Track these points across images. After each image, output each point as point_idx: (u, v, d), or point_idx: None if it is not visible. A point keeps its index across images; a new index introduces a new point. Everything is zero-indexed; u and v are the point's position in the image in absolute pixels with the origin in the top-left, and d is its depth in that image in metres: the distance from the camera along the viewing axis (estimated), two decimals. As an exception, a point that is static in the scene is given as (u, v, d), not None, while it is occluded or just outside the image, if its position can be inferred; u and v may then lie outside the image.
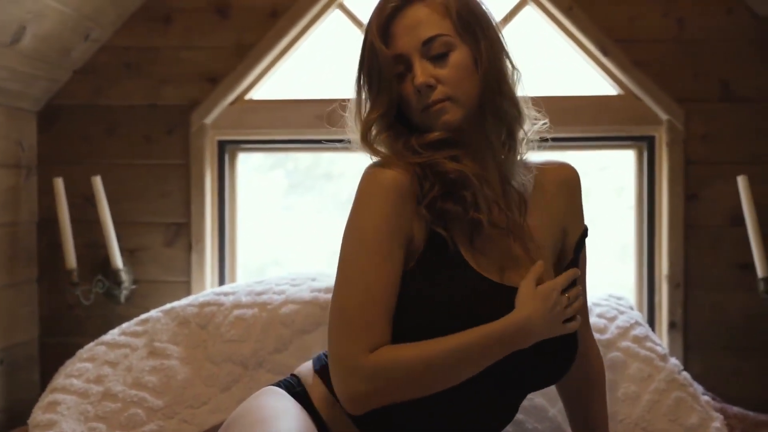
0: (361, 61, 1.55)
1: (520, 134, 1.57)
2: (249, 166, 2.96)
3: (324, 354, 1.66)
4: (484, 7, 1.55)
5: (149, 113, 2.79)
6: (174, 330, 2.32)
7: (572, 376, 1.64)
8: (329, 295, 2.28)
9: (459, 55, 1.49)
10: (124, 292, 2.72)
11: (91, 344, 2.33)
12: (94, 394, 2.18)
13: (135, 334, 2.33)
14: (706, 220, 2.65)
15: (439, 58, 1.49)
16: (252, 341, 2.25)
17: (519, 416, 2.03)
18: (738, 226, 2.57)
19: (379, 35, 1.50)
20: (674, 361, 2.23)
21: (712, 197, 2.65)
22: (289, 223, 3.01)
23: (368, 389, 1.41)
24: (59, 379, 2.23)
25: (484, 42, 1.50)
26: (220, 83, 2.76)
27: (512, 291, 1.48)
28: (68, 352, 2.40)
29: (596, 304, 2.34)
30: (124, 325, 2.38)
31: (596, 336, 1.91)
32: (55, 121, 2.80)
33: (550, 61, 2.77)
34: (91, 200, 2.69)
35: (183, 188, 2.77)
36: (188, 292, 2.72)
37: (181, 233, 2.78)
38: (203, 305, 2.35)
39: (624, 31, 2.67)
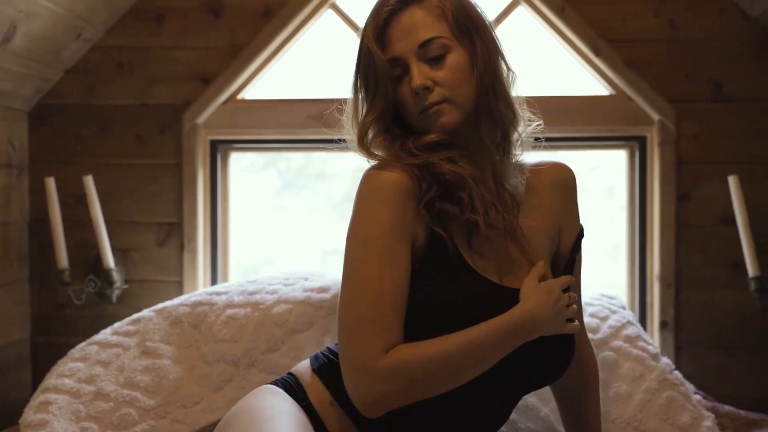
0: (358, 64, 1.55)
1: (515, 136, 1.57)
2: (241, 165, 2.95)
3: (321, 353, 1.66)
4: (479, 10, 1.56)
5: (141, 113, 2.78)
6: (166, 330, 2.32)
7: (566, 376, 1.65)
8: (322, 295, 2.29)
9: (456, 58, 1.50)
10: (116, 292, 2.72)
11: (83, 344, 2.33)
12: (86, 394, 2.18)
13: (127, 334, 2.33)
14: (697, 220, 2.66)
15: (436, 61, 1.49)
16: (244, 341, 2.25)
17: (512, 416, 2.03)
18: (729, 225, 2.58)
19: (376, 39, 1.50)
20: (666, 361, 2.23)
21: (704, 197, 2.65)
22: (281, 222, 3.00)
23: (386, 390, 1.42)
24: (51, 379, 2.22)
25: (480, 44, 1.51)
26: (213, 83, 2.75)
27: (510, 292, 1.49)
28: (60, 351, 2.40)
29: (588, 304, 2.35)
30: (116, 325, 2.37)
31: (589, 335, 1.92)
32: (47, 120, 2.79)
33: (542, 62, 2.78)
34: (82, 200, 2.69)
35: (175, 188, 2.77)
36: (180, 292, 2.72)
37: (173, 233, 2.77)
38: (195, 305, 2.34)
39: (616, 31, 2.68)
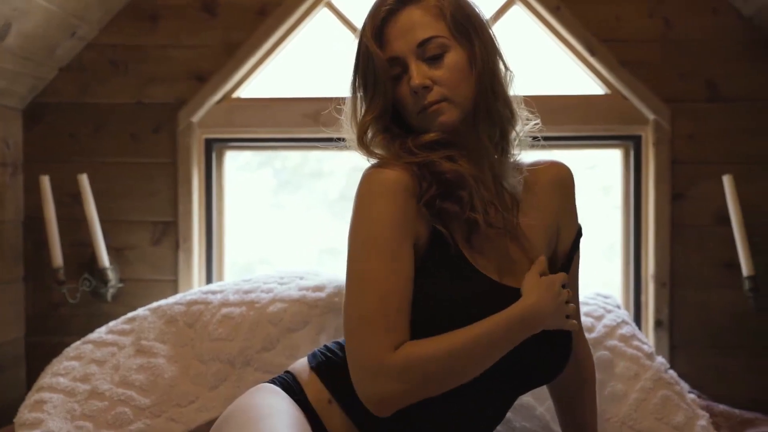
0: (356, 63, 1.55)
1: (513, 135, 1.58)
2: (237, 164, 2.95)
3: (319, 351, 1.66)
4: (477, 9, 1.56)
5: (136, 111, 2.77)
6: (161, 328, 2.31)
7: (564, 375, 1.65)
8: (317, 294, 2.29)
9: (454, 57, 1.50)
10: (111, 291, 2.71)
11: (78, 342, 2.32)
12: (80, 393, 2.17)
13: (122, 333, 2.32)
14: (692, 220, 2.67)
15: (435, 60, 1.50)
16: (240, 340, 2.25)
17: (507, 415, 2.02)
18: (724, 225, 2.59)
19: (374, 38, 1.51)
20: (661, 360, 2.24)
21: (698, 196, 2.66)
22: (277, 221, 3.00)
23: (398, 388, 1.42)
24: (46, 378, 2.22)
25: (478, 43, 1.51)
26: (208, 81, 2.75)
27: (510, 291, 1.50)
28: (55, 350, 2.39)
29: (584, 303, 2.35)
30: (111, 324, 2.37)
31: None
32: (41, 118, 2.78)
33: (537, 61, 2.78)
34: (77, 198, 2.68)
35: (170, 187, 2.76)
36: (175, 291, 2.72)
37: (169, 232, 2.77)
38: (191, 303, 2.34)
39: (611, 31, 2.68)
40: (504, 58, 1.57)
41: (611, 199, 2.84)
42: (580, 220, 1.72)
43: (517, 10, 2.75)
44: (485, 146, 1.53)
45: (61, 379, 2.20)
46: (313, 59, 2.86)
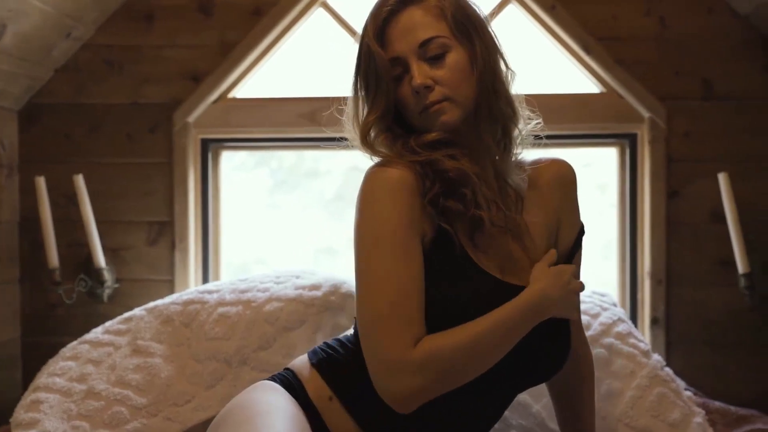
0: (358, 64, 1.56)
1: (515, 133, 1.58)
2: (233, 164, 2.95)
3: (320, 348, 1.66)
4: (477, 9, 1.57)
5: (132, 112, 2.77)
6: (157, 328, 2.31)
7: (563, 372, 1.66)
8: (313, 293, 2.29)
9: (455, 57, 1.50)
10: (107, 291, 2.71)
11: (74, 343, 2.32)
12: (77, 393, 2.17)
13: (118, 333, 2.32)
14: (687, 217, 2.67)
15: (436, 60, 1.50)
16: (236, 339, 2.25)
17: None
18: (719, 222, 2.59)
19: (376, 38, 1.51)
20: (657, 357, 2.24)
21: (694, 194, 2.66)
22: (273, 221, 3.00)
23: (421, 382, 1.42)
24: (42, 378, 2.22)
25: (479, 43, 1.52)
26: (203, 81, 2.75)
27: (513, 289, 1.50)
28: (51, 351, 2.39)
29: (580, 301, 2.35)
30: (108, 324, 2.37)
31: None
32: (37, 119, 2.78)
33: (533, 60, 2.78)
34: (73, 199, 2.68)
35: (166, 187, 2.76)
36: (172, 291, 2.72)
37: (165, 232, 2.77)
38: (187, 303, 2.34)
39: (607, 29, 2.69)
40: (505, 57, 1.58)
41: (607, 197, 2.84)
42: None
43: (513, 9, 2.75)
44: (487, 145, 1.54)
45: (58, 379, 2.20)
46: (308, 59, 2.86)
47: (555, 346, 1.58)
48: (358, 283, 1.48)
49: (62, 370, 2.23)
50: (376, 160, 1.55)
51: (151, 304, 2.39)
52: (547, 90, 2.73)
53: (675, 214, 2.67)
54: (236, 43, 2.74)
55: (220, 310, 2.30)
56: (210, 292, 2.38)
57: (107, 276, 2.69)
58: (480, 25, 1.55)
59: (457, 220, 1.50)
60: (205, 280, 2.81)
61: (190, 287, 2.72)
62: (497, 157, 1.56)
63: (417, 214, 1.47)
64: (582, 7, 2.69)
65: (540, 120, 1.63)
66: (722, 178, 2.54)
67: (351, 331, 1.70)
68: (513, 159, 1.60)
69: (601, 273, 2.82)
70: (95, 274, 2.68)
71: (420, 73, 1.49)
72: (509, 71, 1.58)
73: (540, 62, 2.79)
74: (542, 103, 1.65)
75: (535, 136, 1.64)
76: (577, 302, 1.58)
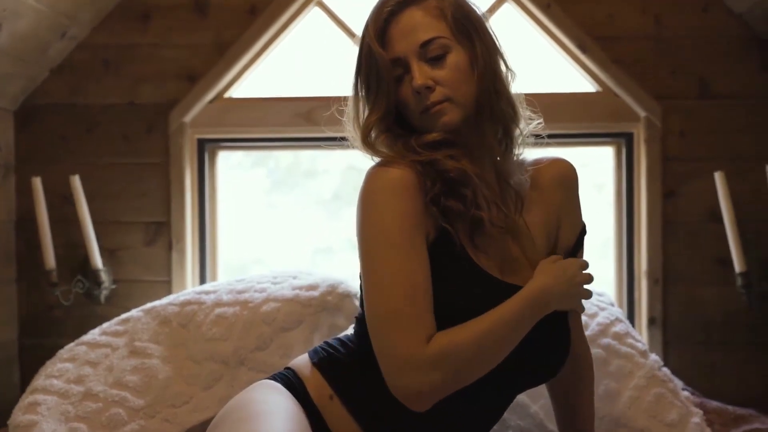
0: (359, 65, 1.56)
1: (516, 133, 1.59)
2: (230, 164, 2.95)
3: (320, 347, 1.66)
4: (477, 10, 1.57)
5: (128, 112, 2.77)
6: (155, 329, 2.31)
7: (562, 371, 1.66)
8: (310, 293, 2.29)
9: (456, 57, 1.50)
10: (104, 292, 2.71)
11: (72, 344, 2.32)
12: (74, 395, 2.17)
13: (116, 334, 2.32)
14: (684, 216, 2.67)
15: (437, 61, 1.50)
16: (233, 339, 2.24)
17: (501, 413, 2.04)
18: (716, 221, 2.59)
19: (377, 39, 1.51)
20: (654, 357, 2.24)
21: (690, 193, 2.67)
22: (271, 221, 3.00)
23: (436, 378, 1.42)
24: (39, 380, 2.21)
25: (479, 43, 1.52)
26: (199, 81, 2.75)
27: (512, 289, 1.51)
28: (48, 352, 2.39)
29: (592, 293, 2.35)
30: (105, 325, 2.36)
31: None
32: (33, 120, 2.78)
33: (529, 59, 2.78)
34: (69, 200, 2.67)
35: (162, 187, 2.76)
36: (169, 292, 2.71)
37: (161, 232, 2.76)
38: (184, 304, 2.34)
39: (602, 28, 2.69)
40: (505, 57, 1.58)
41: (604, 196, 2.84)
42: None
43: (509, 8, 2.75)
44: (488, 145, 1.54)
45: (55, 381, 2.20)
46: (304, 58, 2.85)
47: (555, 346, 1.58)
48: (366, 283, 1.48)
49: (60, 371, 2.23)
50: (376, 160, 1.55)
51: (149, 305, 2.39)
52: (543, 89, 2.73)
53: (671, 214, 2.67)
54: (232, 43, 2.74)
55: (218, 310, 2.30)
56: (207, 292, 2.38)
57: (104, 277, 2.68)
58: (480, 25, 1.55)
59: (457, 220, 1.50)
60: (203, 280, 2.80)
61: (188, 288, 2.72)
62: (498, 158, 1.56)
63: (421, 212, 1.48)
64: (578, 6, 2.69)
65: (541, 120, 1.63)
66: (718, 177, 2.54)
67: (350, 331, 1.71)
68: (514, 159, 1.61)
69: (598, 272, 2.81)
70: (92, 275, 2.67)
71: (421, 73, 1.49)
72: (510, 71, 1.58)
73: (536, 61, 2.79)
74: (538, 103, 1.65)
75: (535, 135, 1.64)
76: (586, 294, 1.58)
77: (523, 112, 1.60)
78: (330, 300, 2.29)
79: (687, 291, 2.66)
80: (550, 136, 2.73)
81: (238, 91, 2.83)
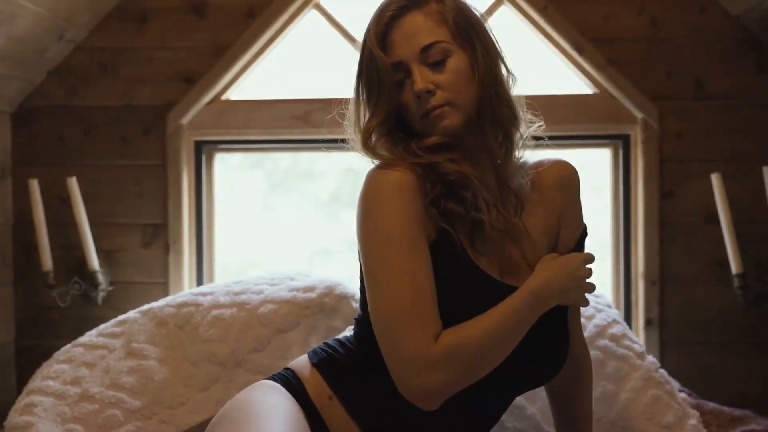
0: (360, 69, 1.57)
1: (516, 137, 1.59)
2: (228, 166, 2.95)
3: (320, 348, 1.66)
4: (478, 14, 1.57)
5: (125, 114, 2.77)
6: (152, 330, 2.31)
7: (561, 373, 1.66)
8: (308, 295, 2.29)
9: (456, 61, 1.51)
10: (101, 294, 2.71)
11: (68, 346, 2.32)
12: (71, 396, 2.17)
13: (112, 335, 2.32)
14: (681, 218, 2.68)
15: (438, 65, 1.51)
16: (230, 341, 2.24)
17: (498, 414, 2.04)
18: (712, 223, 2.60)
19: (378, 43, 1.52)
20: (651, 359, 2.24)
21: (687, 195, 2.67)
22: (269, 223, 3.00)
23: (445, 376, 1.42)
24: (36, 381, 2.21)
25: (480, 48, 1.53)
26: (197, 83, 2.75)
27: (511, 291, 1.51)
28: (45, 354, 2.39)
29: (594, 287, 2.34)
30: (102, 327, 2.36)
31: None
32: (30, 122, 2.78)
33: (525, 61, 2.78)
34: (66, 202, 2.67)
35: (160, 189, 2.76)
36: (166, 294, 2.71)
37: (159, 234, 2.76)
38: (181, 305, 2.34)
39: (599, 30, 2.69)
40: (506, 61, 1.59)
41: (601, 198, 2.84)
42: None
43: (505, 10, 2.76)
44: (489, 149, 1.55)
45: (52, 383, 2.19)
46: (301, 61, 2.86)
47: (554, 346, 1.59)
48: (370, 284, 1.48)
49: (56, 373, 2.22)
50: (376, 163, 1.55)
51: (146, 307, 2.39)
52: (539, 91, 2.73)
53: (668, 215, 2.67)
54: (229, 45, 2.74)
55: (215, 312, 2.30)
56: (204, 294, 2.38)
57: (101, 279, 2.68)
58: (481, 30, 1.55)
59: (457, 222, 1.51)
60: (200, 282, 2.80)
61: (185, 290, 2.72)
62: (499, 161, 1.57)
63: (421, 214, 1.48)
64: (574, 8, 2.69)
65: (542, 123, 1.64)
66: (715, 179, 2.54)
67: (347, 333, 1.71)
68: (514, 162, 1.61)
69: (595, 274, 2.81)
70: (89, 276, 2.67)
71: (421, 77, 1.50)
72: (510, 75, 1.59)
73: (532, 63, 2.79)
74: (532, 103, 1.66)
75: (534, 138, 1.64)
76: (589, 288, 1.58)
77: (524, 115, 1.61)
78: (327, 302, 2.29)
79: (684, 292, 2.67)
80: (547, 138, 2.74)
81: (235, 94, 2.83)
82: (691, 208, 2.67)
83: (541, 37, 2.74)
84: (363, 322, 1.60)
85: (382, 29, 1.53)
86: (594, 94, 2.74)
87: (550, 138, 2.77)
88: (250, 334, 2.25)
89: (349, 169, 2.91)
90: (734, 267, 2.51)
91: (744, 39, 2.66)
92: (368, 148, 1.56)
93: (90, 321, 2.64)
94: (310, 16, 2.81)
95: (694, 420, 2.12)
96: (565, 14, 2.68)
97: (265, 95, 2.82)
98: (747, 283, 2.52)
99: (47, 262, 2.61)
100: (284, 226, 2.98)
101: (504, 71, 1.58)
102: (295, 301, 2.29)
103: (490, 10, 2.73)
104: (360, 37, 1.58)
